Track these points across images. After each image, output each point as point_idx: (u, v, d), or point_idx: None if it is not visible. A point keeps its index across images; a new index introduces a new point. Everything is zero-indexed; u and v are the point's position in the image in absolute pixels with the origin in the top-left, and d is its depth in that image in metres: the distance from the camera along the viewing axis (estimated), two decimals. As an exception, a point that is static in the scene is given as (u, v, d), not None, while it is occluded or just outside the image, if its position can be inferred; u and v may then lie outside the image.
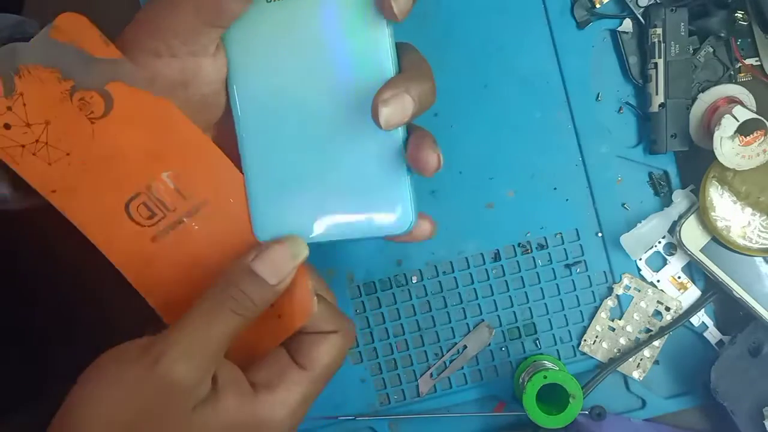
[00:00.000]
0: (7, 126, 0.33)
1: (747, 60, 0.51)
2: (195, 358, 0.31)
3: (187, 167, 0.35)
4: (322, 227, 0.35)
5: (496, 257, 0.54)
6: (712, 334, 0.53)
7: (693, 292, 0.53)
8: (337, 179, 0.34)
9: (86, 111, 0.33)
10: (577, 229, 0.53)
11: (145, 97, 0.34)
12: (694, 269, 0.53)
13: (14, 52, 0.32)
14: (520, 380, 0.52)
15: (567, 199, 0.53)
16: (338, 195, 0.34)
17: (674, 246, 0.53)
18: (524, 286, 0.54)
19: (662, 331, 0.53)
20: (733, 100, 0.49)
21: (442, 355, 0.54)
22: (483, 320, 0.54)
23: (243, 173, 0.35)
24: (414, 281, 0.54)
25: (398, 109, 0.31)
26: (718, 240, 0.50)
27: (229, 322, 0.32)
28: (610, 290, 0.53)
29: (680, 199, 0.52)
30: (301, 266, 0.34)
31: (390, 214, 0.34)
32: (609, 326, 0.54)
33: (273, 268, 0.33)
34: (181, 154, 0.35)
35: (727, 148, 0.47)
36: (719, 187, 0.50)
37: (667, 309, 0.53)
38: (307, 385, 0.34)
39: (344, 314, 0.37)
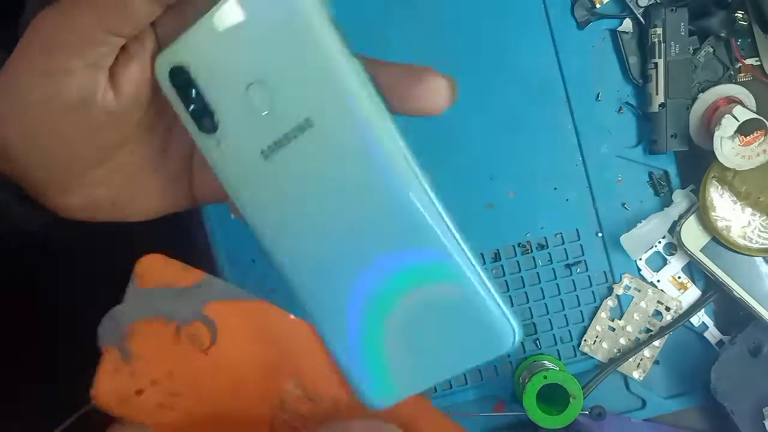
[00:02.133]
0: (139, 392, 0.32)
1: (747, 60, 0.51)
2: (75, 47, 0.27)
3: (306, 366, 0.33)
4: (422, 372, 0.28)
5: (497, 257, 0.54)
6: (712, 334, 0.53)
7: (693, 292, 0.53)
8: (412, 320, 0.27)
9: (198, 345, 0.32)
10: (577, 229, 0.53)
11: (241, 307, 0.32)
12: (694, 269, 0.53)
13: (116, 318, 0.32)
14: (520, 380, 0.52)
15: (567, 199, 0.53)
16: (426, 329, 0.27)
17: (674, 246, 0.53)
18: (524, 286, 0.54)
19: (662, 331, 0.53)
20: (733, 100, 0.49)
21: (442, 355, 0.54)
22: (483, 320, 0.54)
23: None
24: (414, 281, 0.54)
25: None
26: (718, 240, 0.50)
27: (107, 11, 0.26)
28: (610, 290, 0.53)
29: (680, 199, 0.52)
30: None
31: (489, 334, 0.26)
32: (609, 326, 0.54)
33: None
34: (296, 352, 0.33)
35: (728, 148, 0.47)
36: (719, 187, 0.50)
37: (667, 309, 0.53)
38: None
39: None
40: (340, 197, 0.27)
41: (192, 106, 0.27)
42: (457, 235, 0.27)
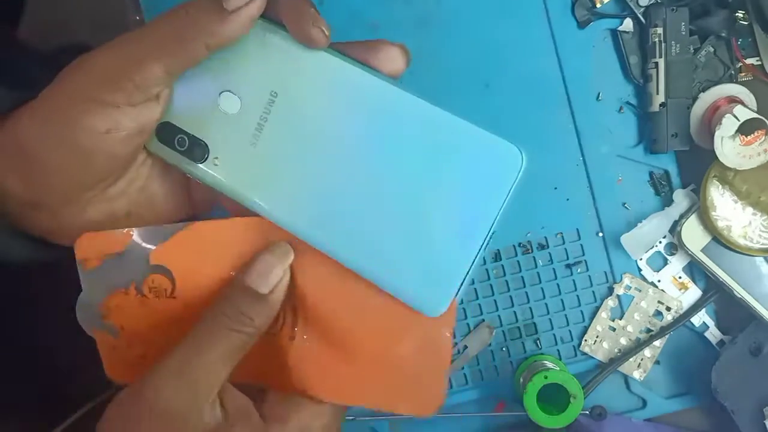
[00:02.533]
0: (142, 357, 0.33)
1: (748, 59, 0.51)
2: (188, 384, 0.29)
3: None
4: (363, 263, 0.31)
5: (497, 257, 0.53)
6: (713, 334, 0.53)
7: (694, 292, 0.53)
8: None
9: (163, 294, 0.33)
10: (577, 229, 0.53)
11: (180, 240, 0.33)
12: (694, 269, 0.53)
13: (84, 306, 0.33)
14: (521, 380, 0.52)
15: (568, 199, 0.53)
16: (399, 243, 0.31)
17: (675, 246, 0.53)
18: (525, 286, 0.53)
19: (663, 331, 0.53)
20: (733, 100, 0.49)
21: (443, 355, 0.54)
22: (483, 320, 0.54)
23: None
24: (414, 281, 0.54)
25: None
26: (718, 240, 0.50)
27: (225, 342, 0.30)
28: (611, 290, 0.53)
29: (681, 199, 0.51)
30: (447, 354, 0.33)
31: (428, 291, 0.31)
32: (610, 326, 0.53)
33: (262, 277, 0.31)
34: (244, 251, 0.33)
35: (728, 147, 0.47)
36: (720, 186, 0.50)
37: (668, 309, 0.53)
38: (323, 418, 0.33)
39: None
40: (329, 137, 0.30)
41: (182, 148, 0.32)
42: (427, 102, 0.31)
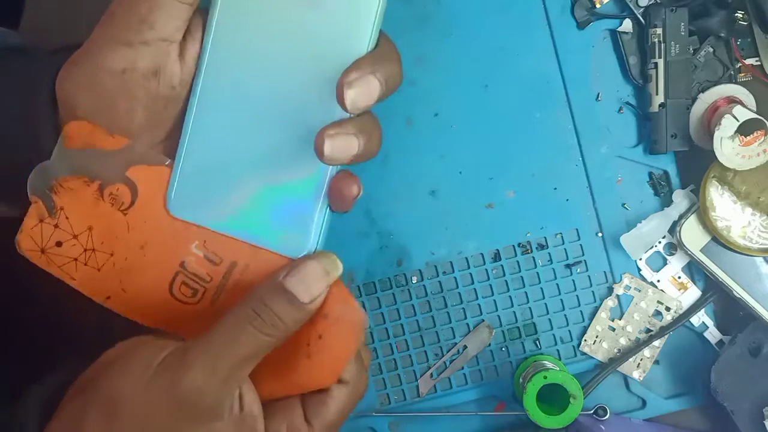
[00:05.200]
0: (59, 244, 0.34)
1: (747, 60, 0.51)
2: (217, 376, 0.30)
3: (210, 231, 0.35)
4: (227, 219, 0.35)
5: (496, 257, 0.54)
6: (713, 334, 0.53)
7: (693, 292, 0.53)
8: (262, 179, 0.34)
9: (118, 205, 0.34)
10: (577, 229, 0.53)
11: (160, 172, 0.34)
12: (694, 269, 0.53)
13: (44, 172, 0.33)
14: (521, 380, 0.52)
15: (567, 199, 0.53)
16: (256, 195, 0.34)
17: (674, 246, 0.53)
18: (524, 286, 0.54)
19: (662, 331, 0.53)
20: (733, 100, 0.49)
21: (443, 356, 0.54)
22: (483, 320, 0.54)
23: (179, 145, 0.35)
24: (414, 281, 0.54)
25: (364, 91, 0.30)
26: (718, 240, 0.50)
27: (254, 340, 0.31)
28: (611, 290, 0.53)
29: (680, 199, 0.52)
30: (356, 331, 0.34)
31: (291, 234, 0.34)
32: (609, 326, 0.54)
33: (305, 286, 0.31)
34: None
35: (728, 148, 0.47)
36: (719, 187, 0.50)
37: (668, 309, 0.53)
38: None
39: (362, 361, 0.36)
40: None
41: None
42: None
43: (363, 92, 0.30)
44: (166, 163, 0.34)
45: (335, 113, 0.32)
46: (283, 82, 0.33)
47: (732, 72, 0.50)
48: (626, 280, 0.53)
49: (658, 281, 0.53)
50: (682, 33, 0.49)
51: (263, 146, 0.34)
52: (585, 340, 0.54)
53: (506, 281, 0.54)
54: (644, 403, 0.54)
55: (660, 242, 0.53)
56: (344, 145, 0.31)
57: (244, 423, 0.31)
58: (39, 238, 0.34)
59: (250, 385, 0.32)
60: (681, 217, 0.51)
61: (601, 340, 0.54)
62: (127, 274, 0.35)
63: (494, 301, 0.54)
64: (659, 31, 0.49)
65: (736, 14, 0.49)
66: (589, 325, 0.54)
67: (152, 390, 0.30)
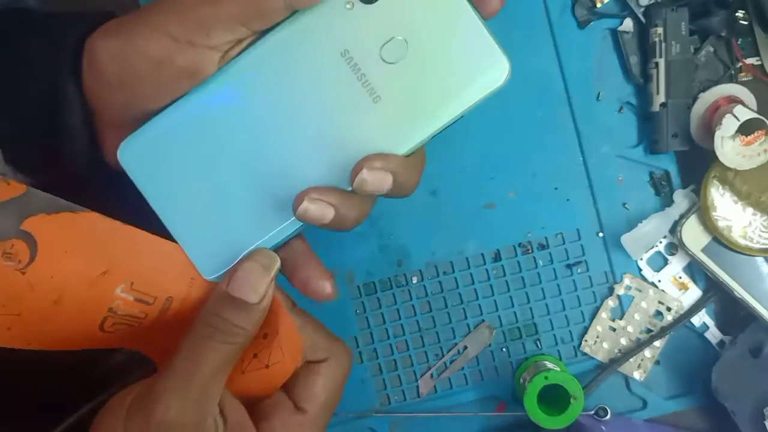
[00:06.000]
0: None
1: (748, 59, 0.50)
2: (190, 398, 0.30)
3: (136, 271, 0.33)
4: (165, 202, 0.32)
5: (497, 257, 0.53)
6: (713, 335, 0.53)
7: (694, 292, 0.53)
8: (218, 190, 0.32)
9: (14, 263, 0.31)
10: (578, 229, 0.53)
11: (64, 220, 0.31)
12: (695, 269, 0.53)
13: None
14: (521, 381, 0.51)
15: (568, 199, 0.53)
16: (204, 199, 0.32)
17: (675, 246, 0.53)
18: (525, 287, 0.53)
19: (663, 332, 0.53)
20: (734, 100, 0.49)
21: (443, 356, 0.54)
22: (483, 320, 0.54)
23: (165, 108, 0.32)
24: (414, 282, 0.54)
25: (378, 182, 0.30)
26: (719, 240, 0.50)
27: (218, 353, 0.31)
28: (611, 290, 0.53)
29: (681, 199, 0.51)
30: (282, 309, 0.33)
31: (207, 255, 0.33)
32: (610, 326, 0.53)
33: (250, 287, 0.31)
34: (124, 259, 0.32)
35: (728, 147, 0.47)
36: (720, 186, 0.50)
37: (668, 309, 0.53)
38: (311, 427, 0.34)
39: (333, 335, 0.36)
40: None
41: None
42: None
43: (376, 182, 0.30)
44: (74, 210, 0.31)
45: (329, 176, 0.31)
46: (307, 115, 0.31)
47: (733, 71, 0.50)
48: (627, 280, 0.53)
49: (659, 281, 0.53)
50: (683, 32, 0.49)
51: (243, 166, 0.32)
52: (586, 341, 0.53)
53: (507, 281, 0.53)
54: (645, 403, 0.54)
55: (661, 242, 0.53)
56: (319, 212, 0.31)
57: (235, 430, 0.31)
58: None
59: (230, 397, 0.32)
60: (682, 217, 0.51)
61: (601, 341, 0.53)
62: (46, 325, 0.32)
63: (495, 301, 0.54)
64: (660, 30, 0.49)
65: (736, 14, 0.49)
66: (589, 326, 0.53)
67: None
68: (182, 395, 0.30)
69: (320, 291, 0.34)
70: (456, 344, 0.54)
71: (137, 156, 0.32)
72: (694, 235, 0.51)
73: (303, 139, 0.31)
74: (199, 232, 0.33)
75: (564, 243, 0.53)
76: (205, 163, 0.32)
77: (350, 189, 0.31)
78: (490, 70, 0.31)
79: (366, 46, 0.30)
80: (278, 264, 0.33)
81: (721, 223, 0.50)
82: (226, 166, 0.32)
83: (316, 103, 0.31)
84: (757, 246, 0.50)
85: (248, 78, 0.32)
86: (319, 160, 0.31)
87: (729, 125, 0.47)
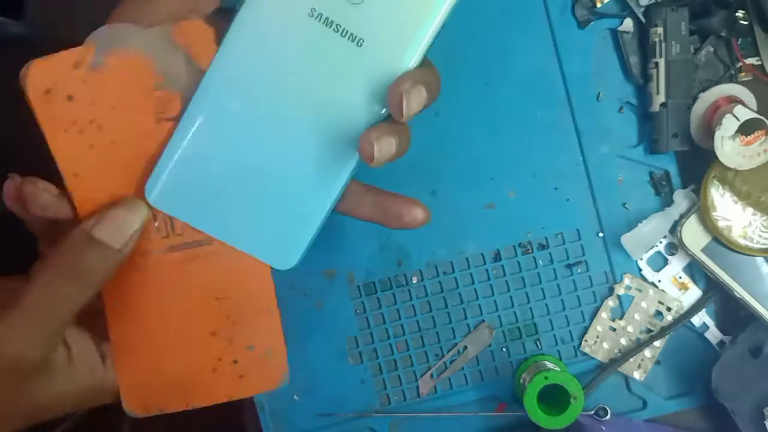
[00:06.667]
0: (70, 98, 0.31)
1: (748, 59, 0.50)
2: (38, 337, 0.30)
3: None
4: (211, 221, 0.33)
5: (497, 257, 0.53)
6: (713, 335, 0.53)
7: (694, 292, 0.53)
8: (263, 185, 0.33)
9: (160, 110, 0.32)
10: (578, 229, 0.53)
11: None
12: (695, 269, 0.53)
13: (123, 33, 0.31)
14: (521, 381, 0.51)
15: (568, 199, 0.53)
16: (250, 201, 0.33)
17: (675, 246, 0.53)
18: (525, 287, 0.53)
19: (663, 332, 0.53)
20: (734, 100, 0.49)
21: (443, 356, 0.54)
22: (483, 320, 0.54)
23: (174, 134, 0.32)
24: (414, 282, 0.54)
25: (416, 99, 0.30)
26: (719, 240, 0.50)
27: (74, 297, 0.31)
28: (611, 290, 0.53)
29: (681, 199, 0.51)
30: (281, 331, 0.34)
31: (279, 248, 0.33)
32: (610, 326, 0.53)
33: (115, 232, 0.31)
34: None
35: (728, 147, 0.47)
36: (720, 186, 0.50)
37: (668, 309, 0.53)
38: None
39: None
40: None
41: None
42: None
43: (416, 99, 0.31)
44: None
45: (362, 121, 0.32)
46: (309, 83, 0.31)
47: (733, 71, 0.50)
48: (627, 280, 0.53)
49: (659, 281, 0.53)
50: (683, 32, 0.49)
51: (272, 151, 0.32)
52: (586, 341, 0.53)
53: (507, 281, 0.53)
54: (645, 403, 0.54)
55: (661, 242, 0.53)
56: (388, 147, 0.31)
57: (77, 369, 0.32)
58: (55, 79, 0.31)
59: (79, 334, 0.33)
60: (682, 217, 0.51)
61: (601, 341, 0.53)
62: (114, 169, 0.32)
63: (495, 301, 0.54)
64: (660, 30, 0.49)
65: (736, 14, 0.49)
66: (589, 326, 0.53)
67: None
68: (29, 332, 0.30)
69: (416, 219, 0.34)
70: (456, 344, 0.54)
71: (165, 194, 0.33)
72: (694, 235, 0.51)
73: (313, 109, 0.32)
74: (258, 232, 0.33)
75: (564, 243, 0.53)
76: (232, 166, 0.32)
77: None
78: None
79: None
80: (147, 214, 0.32)
81: (721, 223, 0.50)
82: (252, 161, 0.32)
83: (310, 72, 0.31)
84: (757, 246, 0.50)
85: (236, 73, 0.31)
86: (338, 120, 0.32)
87: (729, 125, 0.47)
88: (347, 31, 0.31)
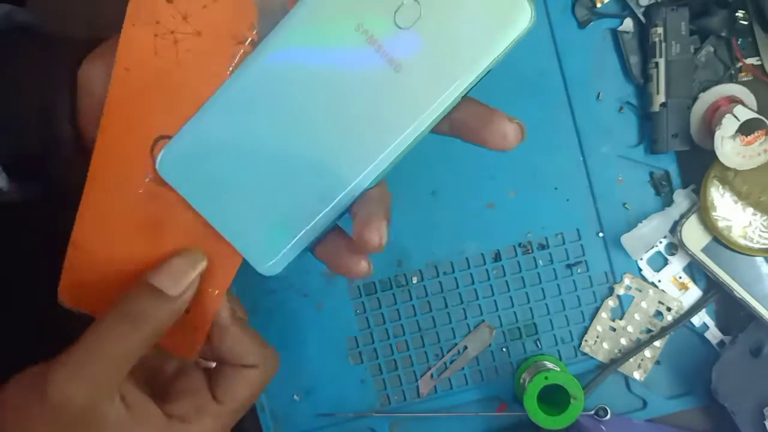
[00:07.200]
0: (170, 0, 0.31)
1: (748, 59, 0.50)
2: (87, 377, 0.30)
3: None
4: (210, 207, 0.33)
5: (497, 257, 0.53)
6: (713, 335, 0.53)
7: (694, 292, 0.53)
8: (266, 186, 0.32)
9: (241, 54, 0.31)
10: (578, 229, 0.53)
11: None
12: (695, 269, 0.53)
13: None
14: (521, 381, 0.51)
15: (568, 199, 0.53)
16: (254, 198, 0.33)
17: (675, 246, 0.53)
18: (525, 287, 0.53)
19: (663, 332, 0.53)
20: (734, 100, 0.49)
21: (443, 356, 0.54)
22: (483, 321, 0.54)
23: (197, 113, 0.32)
24: (414, 282, 0.54)
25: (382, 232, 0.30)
26: (719, 240, 0.50)
27: (128, 338, 0.31)
28: (611, 290, 0.53)
29: (681, 199, 0.51)
30: (211, 319, 0.34)
31: (266, 253, 0.33)
32: (610, 326, 0.53)
33: (172, 279, 0.32)
34: None
35: (728, 147, 0.47)
36: (720, 186, 0.50)
37: (668, 309, 0.53)
38: (222, 419, 0.34)
39: (267, 346, 0.36)
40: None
41: None
42: None
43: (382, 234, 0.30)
44: None
45: (364, 156, 0.32)
46: (337, 94, 0.31)
47: (733, 71, 0.50)
48: (627, 280, 0.53)
49: (659, 281, 0.53)
50: (683, 32, 0.49)
51: (284, 154, 0.32)
52: (586, 341, 0.53)
53: (507, 281, 0.53)
54: (645, 403, 0.54)
55: (661, 242, 0.53)
56: (384, 231, 0.31)
57: (134, 421, 0.31)
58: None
59: (134, 384, 0.32)
60: (682, 217, 0.51)
61: (601, 341, 0.53)
62: (169, 81, 0.32)
63: (495, 301, 0.54)
64: (660, 30, 0.49)
65: (736, 14, 0.49)
66: (589, 326, 0.53)
67: (24, 411, 0.30)
68: (78, 374, 0.30)
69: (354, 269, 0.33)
70: (456, 344, 0.54)
71: (177, 166, 0.33)
72: (694, 235, 0.51)
73: (337, 121, 0.31)
74: (247, 228, 0.33)
75: (564, 243, 0.53)
76: (245, 158, 0.32)
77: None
78: (511, 15, 0.30)
79: (378, 16, 0.30)
80: (204, 264, 0.33)
81: (721, 223, 0.50)
82: (266, 160, 0.32)
83: (342, 84, 0.31)
84: (757, 246, 0.50)
85: (272, 70, 0.31)
86: (353, 140, 0.31)
87: (729, 125, 0.47)
88: (387, 54, 0.30)
